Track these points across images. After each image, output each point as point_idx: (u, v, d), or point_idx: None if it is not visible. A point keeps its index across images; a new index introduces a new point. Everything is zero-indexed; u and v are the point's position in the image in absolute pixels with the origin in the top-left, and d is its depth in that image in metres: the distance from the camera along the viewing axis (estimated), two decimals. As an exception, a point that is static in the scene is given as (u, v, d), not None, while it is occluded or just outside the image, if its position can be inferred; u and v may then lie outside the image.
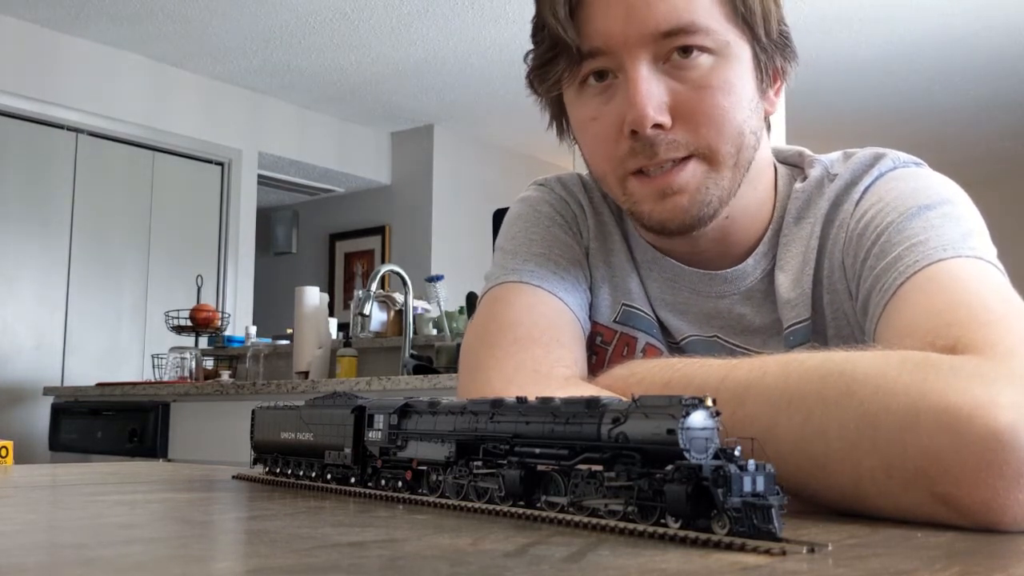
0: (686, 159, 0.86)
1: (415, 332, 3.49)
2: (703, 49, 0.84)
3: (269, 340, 4.12)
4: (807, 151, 1.00)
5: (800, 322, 0.90)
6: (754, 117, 0.88)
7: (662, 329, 0.98)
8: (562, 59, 0.88)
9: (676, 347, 0.97)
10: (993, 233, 0.86)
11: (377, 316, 3.60)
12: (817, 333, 0.90)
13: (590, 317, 0.99)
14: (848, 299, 0.89)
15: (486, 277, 1.01)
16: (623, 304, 0.99)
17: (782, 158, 1.00)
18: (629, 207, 0.91)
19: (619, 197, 0.92)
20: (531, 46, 0.92)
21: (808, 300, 0.91)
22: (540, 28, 0.90)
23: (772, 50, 0.89)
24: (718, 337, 0.96)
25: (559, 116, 0.97)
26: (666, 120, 0.84)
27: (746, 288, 0.95)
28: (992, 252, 0.82)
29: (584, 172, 1.04)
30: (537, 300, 0.94)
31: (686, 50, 0.84)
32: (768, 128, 0.96)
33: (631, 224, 1.00)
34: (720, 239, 0.94)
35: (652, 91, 0.84)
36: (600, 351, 0.99)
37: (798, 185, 0.95)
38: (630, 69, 0.84)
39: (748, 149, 0.88)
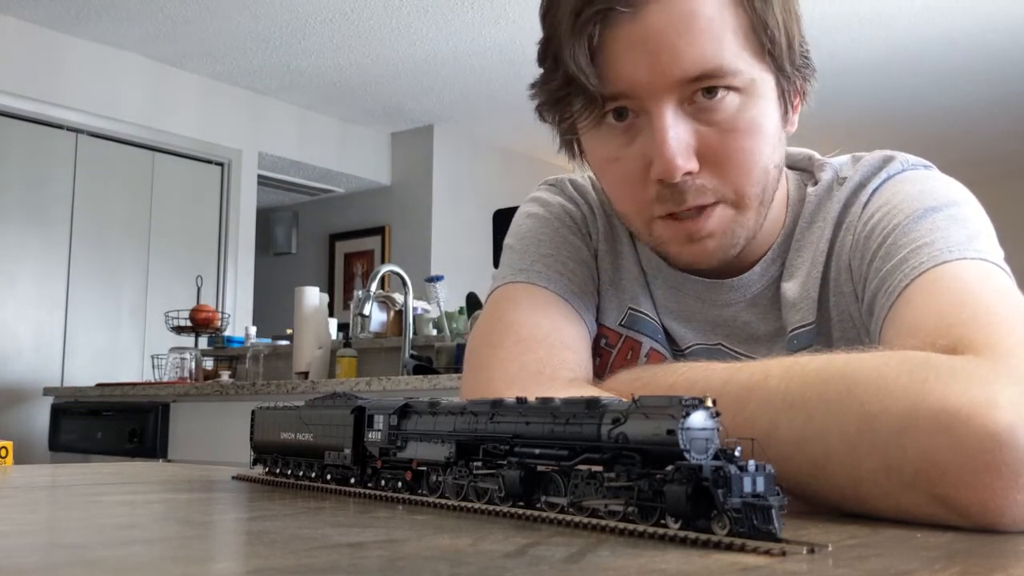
0: (713, 204, 0.85)
1: (415, 332, 3.49)
2: (730, 88, 0.81)
3: (269, 340, 4.12)
4: (816, 155, 0.99)
5: (804, 326, 0.90)
6: (778, 151, 0.87)
7: (667, 337, 0.98)
8: (579, 100, 0.84)
9: (681, 356, 0.97)
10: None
11: (377, 316, 3.60)
12: (822, 336, 0.90)
13: (596, 319, 0.99)
14: (855, 301, 0.89)
15: (494, 276, 1.00)
16: (629, 308, 0.99)
17: (791, 163, 0.99)
18: (655, 247, 0.91)
19: (644, 237, 0.91)
20: (533, 52, 0.89)
21: (814, 303, 0.90)
22: (550, 58, 0.86)
23: (795, 75, 0.87)
24: (722, 345, 0.95)
25: (571, 143, 0.93)
26: (694, 166, 0.82)
27: (752, 295, 0.95)
28: (999, 254, 0.82)
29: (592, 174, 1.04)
30: (543, 301, 0.93)
31: (710, 90, 0.81)
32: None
33: None
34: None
35: (680, 138, 0.81)
36: (605, 353, 0.99)
37: (811, 189, 0.95)
38: (655, 116, 0.81)
39: (773, 184, 0.88)
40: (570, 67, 0.82)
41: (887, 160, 0.93)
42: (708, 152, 0.82)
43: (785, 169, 0.97)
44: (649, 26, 0.80)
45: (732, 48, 0.81)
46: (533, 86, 0.89)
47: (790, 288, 0.92)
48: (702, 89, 0.81)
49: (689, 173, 0.82)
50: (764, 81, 0.84)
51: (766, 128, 0.84)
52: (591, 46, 0.81)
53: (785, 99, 0.87)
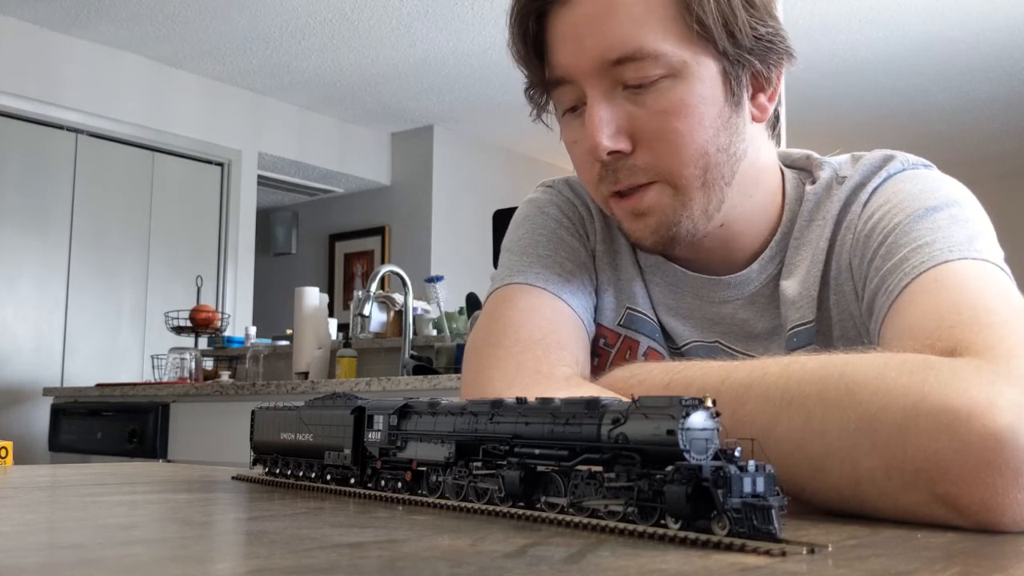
0: (648, 184, 0.87)
1: (415, 333, 3.49)
2: (662, 72, 0.84)
3: (269, 341, 4.12)
4: (815, 154, 0.99)
5: (804, 324, 0.90)
6: (723, 134, 0.87)
7: (664, 334, 0.98)
8: (538, 87, 0.92)
9: (678, 353, 0.97)
10: (993, 234, 0.86)
11: (377, 317, 3.60)
12: (822, 334, 0.90)
13: (594, 319, 0.99)
14: (855, 300, 0.89)
15: (492, 278, 1.01)
16: (627, 307, 0.99)
17: (789, 162, 0.99)
18: (617, 224, 0.95)
19: (609, 215, 0.95)
20: None
21: (814, 302, 0.90)
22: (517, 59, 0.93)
23: (746, 59, 0.86)
24: (720, 343, 0.96)
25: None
26: (624, 146, 0.85)
27: (750, 293, 0.95)
28: (999, 255, 0.82)
29: None
30: (541, 302, 0.94)
31: (642, 75, 0.84)
32: (775, 130, 0.96)
33: None
34: (720, 247, 0.94)
35: (604, 119, 0.85)
36: (603, 353, 0.99)
37: (809, 188, 0.95)
38: (589, 97, 0.86)
39: (717, 167, 0.87)
40: (515, 57, 0.91)
41: (887, 159, 0.93)
42: (641, 134, 0.86)
43: (783, 168, 0.97)
44: (578, 14, 0.86)
45: (655, 31, 0.84)
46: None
47: (789, 286, 0.92)
48: (632, 76, 0.84)
49: (618, 152, 0.86)
50: (700, 64, 0.85)
51: (700, 110, 0.85)
52: (532, 37, 0.89)
53: (732, 82, 0.87)
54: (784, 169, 0.98)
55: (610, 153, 0.85)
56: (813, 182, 0.96)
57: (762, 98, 0.91)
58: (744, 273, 0.94)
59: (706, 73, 0.85)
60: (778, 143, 0.99)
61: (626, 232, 0.93)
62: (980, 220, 0.85)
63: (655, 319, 0.98)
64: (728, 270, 0.95)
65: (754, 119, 0.91)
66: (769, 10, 0.88)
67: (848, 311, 0.90)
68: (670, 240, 0.90)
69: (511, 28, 0.90)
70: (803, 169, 0.99)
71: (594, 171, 0.89)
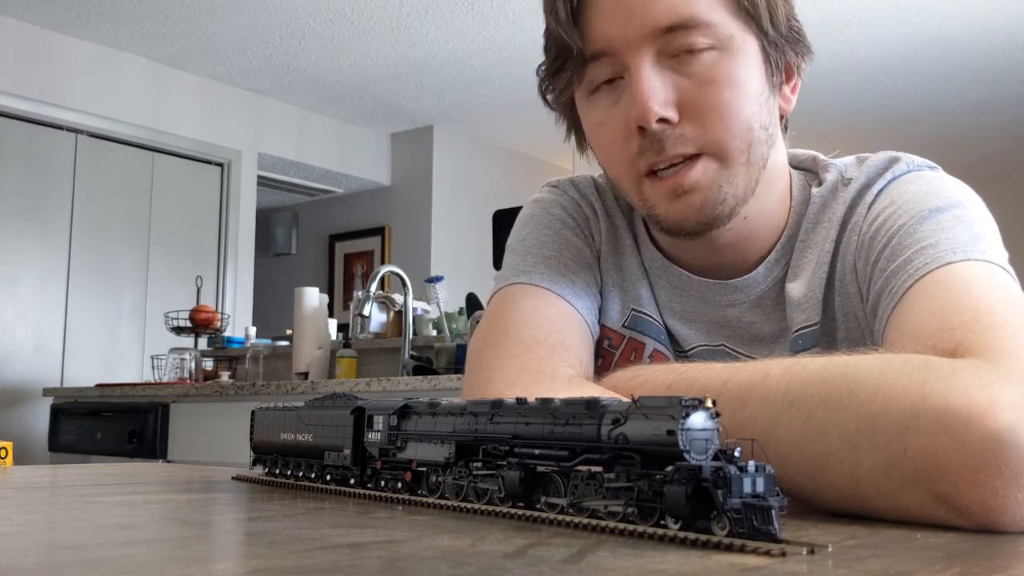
0: (695, 157, 0.85)
1: (415, 333, 3.49)
2: (708, 44, 0.84)
3: (268, 341, 4.12)
4: (820, 155, 0.99)
5: (809, 326, 0.90)
6: (764, 112, 0.87)
7: (670, 338, 0.98)
8: (568, 64, 0.89)
9: (684, 357, 0.97)
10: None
11: (377, 317, 3.60)
12: (827, 336, 0.90)
13: (599, 320, 0.99)
14: (859, 302, 0.89)
15: (495, 278, 1.01)
16: (632, 309, 0.98)
17: (795, 163, 0.99)
18: (647, 211, 0.91)
19: (636, 202, 0.92)
20: (533, 52, 0.93)
21: (819, 304, 0.90)
22: (547, 36, 0.91)
23: (782, 44, 0.88)
24: (725, 346, 0.95)
25: (576, 127, 0.97)
26: (672, 115, 0.84)
27: (756, 296, 0.95)
28: (1003, 256, 0.82)
29: (596, 174, 1.04)
30: (545, 303, 0.94)
31: (690, 50, 0.84)
32: (786, 128, 0.96)
33: (642, 230, 1.00)
34: (736, 243, 0.93)
35: (655, 86, 0.83)
36: (607, 355, 0.99)
37: (815, 190, 0.95)
38: (633, 67, 0.84)
39: (759, 144, 0.87)
40: (552, 25, 0.87)
41: (892, 161, 0.93)
42: (688, 103, 0.84)
43: (789, 168, 0.97)
44: None
45: (708, 1, 0.84)
46: (538, 70, 0.94)
47: (795, 288, 0.92)
48: (680, 45, 0.84)
49: (665, 120, 0.84)
50: (745, 40, 0.86)
51: (747, 84, 0.86)
52: (572, 7, 0.86)
53: (772, 65, 0.88)
54: (790, 170, 0.98)
55: (658, 122, 0.84)
56: (819, 184, 0.95)
57: (787, 89, 0.92)
58: (750, 276, 0.94)
59: (750, 49, 0.86)
60: (787, 146, 0.99)
61: (661, 216, 0.89)
62: (984, 221, 0.85)
63: (660, 321, 0.98)
64: (734, 273, 0.95)
65: (780, 109, 0.91)
66: (794, 9, 0.91)
67: (852, 313, 0.90)
68: (711, 221, 0.88)
69: (548, 2, 0.88)
70: (809, 171, 0.99)
71: (631, 146, 0.86)
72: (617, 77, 0.87)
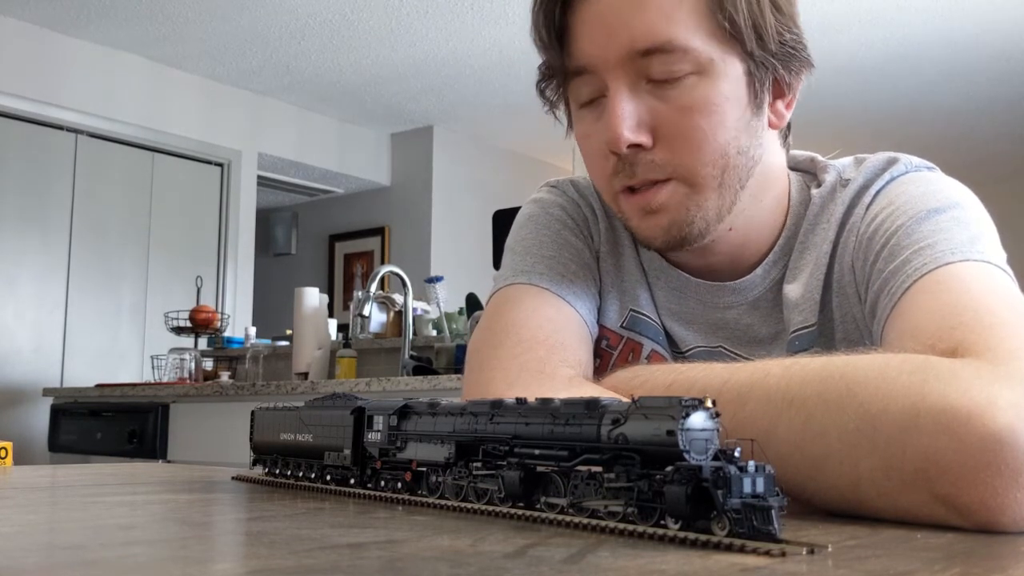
0: (665, 180, 0.86)
1: (414, 333, 3.49)
2: (689, 69, 0.83)
3: (268, 341, 4.12)
4: (819, 156, 0.99)
5: (806, 327, 0.90)
6: (744, 135, 0.86)
7: (668, 339, 0.98)
8: (556, 75, 0.90)
9: (681, 358, 0.97)
10: (994, 235, 0.86)
11: (376, 317, 3.60)
12: (824, 337, 0.90)
13: (598, 320, 0.99)
14: (857, 303, 0.89)
15: (495, 278, 1.01)
16: (631, 309, 0.99)
17: (794, 164, 0.99)
18: (624, 223, 0.93)
19: (615, 213, 0.94)
20: (533, 52, 0.93)
21: (816, 305, 0.90)
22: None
23: (771, 63, 0.86)
24: (723, 348, 0.95)
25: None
26: (645, 140, 0.84)
27: (754, 298, 0.95)
28: (1001, 256, 0.82)
29: None
30: (544, 303, 0.94)
31: (669, 69, 0.83)
32: (787, 137, 0.95)
33: None
34: (727, 252, 0.93)
35: (627, 111, 0.83)
36: (605, 355, 0.99)
37: (813, 192, 0.95)
38: (611, 89, 0.85)
39: (735, 169, 0.87)
40: (537, 44, 0.89)
41: (891, 162, 0.92)
42: (663, 129, 0.84)
43: (788, 171, 0.97)
44: (607, 3, 0.84)
45: (686, 25, 0.83)
46: (541, 66, 0.94)
47: (792, 290, 0.92)
48: (659, 72, 0.83)
49: (637, 146, 0.84)
50: (726, 63, 0.84)
51: (725, 110, 0.85)
52: (556, 25, 0.87)
53: (758, 86, 0.87)
54: (789, 172, 0.98)
55: (630, 146, 0.84)
56: (818, 185, 0.95)
57: (780, 105, 0.91)
58: (748, 278, 0.94)
59: (732, 73, 0.85)
60: (788, 149, 0.98)
61: (634, 231, 0.91)
62: (983, 222, 0.85)
63: (658, 322, 0.98)
64: (732, 275, 0.95)
65: (771, 125, 0.90)
66: (794, 17, 0.88)
67: (851, 313, 0.90)
68: (680, 241, 0.88)
69: (535, 14, 0.89)
70: (807, 172, 0.99)
71: (608, 164, 0.87)
72: (600, 95, 0.87)
